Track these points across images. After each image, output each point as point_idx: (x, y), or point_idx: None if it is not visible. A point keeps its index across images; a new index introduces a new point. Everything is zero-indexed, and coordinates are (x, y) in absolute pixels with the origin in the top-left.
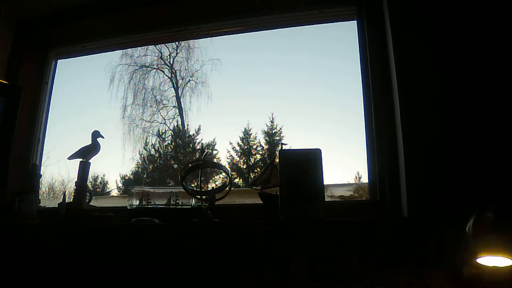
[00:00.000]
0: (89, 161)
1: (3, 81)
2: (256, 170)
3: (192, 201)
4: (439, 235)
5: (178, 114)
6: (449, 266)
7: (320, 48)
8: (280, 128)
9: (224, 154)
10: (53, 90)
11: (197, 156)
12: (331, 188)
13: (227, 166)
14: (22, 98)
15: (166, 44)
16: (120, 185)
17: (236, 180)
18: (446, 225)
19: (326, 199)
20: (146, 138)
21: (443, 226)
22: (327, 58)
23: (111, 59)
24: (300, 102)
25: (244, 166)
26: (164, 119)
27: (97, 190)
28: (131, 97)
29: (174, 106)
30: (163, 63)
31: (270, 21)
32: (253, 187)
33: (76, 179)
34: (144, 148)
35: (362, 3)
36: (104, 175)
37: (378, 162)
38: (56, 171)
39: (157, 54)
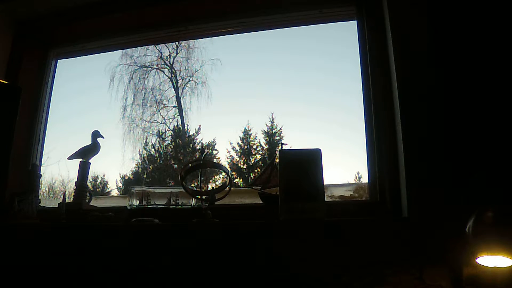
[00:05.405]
0: (89, 161)
1: (3, 81)
2: (256, 170)
3: (192, 201)
4: (439, 235)
5: (178, 114)
6: (449, 266)
7: (320, 48)
8: (280, 128)
9: (224, 154)
10: (53, 90)
11: (197, 156)
12: (331, 188)
13: (227, 166)
14: (22, 98)
15: (166, 44)
16: (120, 185)
17: (236, 180)
18: (446, 225)
19: (326, 199)
20: (146, 138)
21: (443, 226)
22: (327, 58)
23: (111, 59)
24: (300, 102)
25: (244, 166)
26: (164, 119)
27: (97, 190)
28: (131, 97)
29: (174, 106)
30: (163, 63)
31: (270, 21)
32: (253, 187)
33: (76, 179)
34: (144, 148)
35: (362, 3)
36: (104, 175)
37: (378, 162)
38: (56, 171)
39: (157, 54)
